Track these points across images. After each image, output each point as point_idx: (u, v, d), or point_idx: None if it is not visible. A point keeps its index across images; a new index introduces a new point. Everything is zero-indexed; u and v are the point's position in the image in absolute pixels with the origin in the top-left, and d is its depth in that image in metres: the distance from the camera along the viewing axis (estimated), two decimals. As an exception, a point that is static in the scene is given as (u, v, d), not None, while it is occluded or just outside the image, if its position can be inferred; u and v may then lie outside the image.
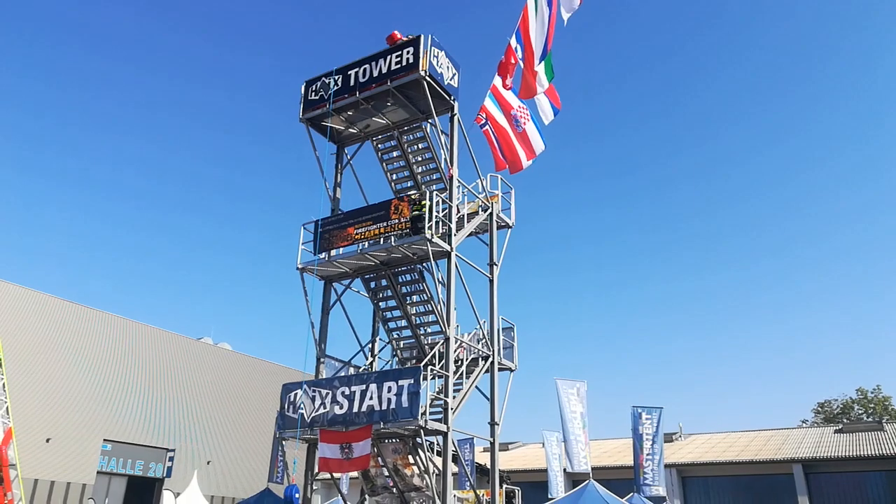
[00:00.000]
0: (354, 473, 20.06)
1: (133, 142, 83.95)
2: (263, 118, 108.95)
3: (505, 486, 18.21)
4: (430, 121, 17.84)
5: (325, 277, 18.22)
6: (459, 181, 17.66)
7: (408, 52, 16.98)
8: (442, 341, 16.31)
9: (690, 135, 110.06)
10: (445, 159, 17.81)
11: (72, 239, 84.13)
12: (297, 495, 14.52)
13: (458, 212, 17.40)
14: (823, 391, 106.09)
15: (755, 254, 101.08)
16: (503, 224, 19.29)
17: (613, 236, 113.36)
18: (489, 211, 18.65)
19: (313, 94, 18.51)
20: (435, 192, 16.66)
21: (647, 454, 19.39)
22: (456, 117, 17.81)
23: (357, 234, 16.87)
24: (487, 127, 17.60)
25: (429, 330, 18.17)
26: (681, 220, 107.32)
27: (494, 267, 18.45)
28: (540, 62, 16.16)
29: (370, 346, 19.30)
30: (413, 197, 16.36)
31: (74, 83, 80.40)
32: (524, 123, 17.85)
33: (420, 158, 18.51)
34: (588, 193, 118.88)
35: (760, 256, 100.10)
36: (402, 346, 18.94)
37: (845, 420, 48.77)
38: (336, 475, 18.36)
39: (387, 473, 16.31)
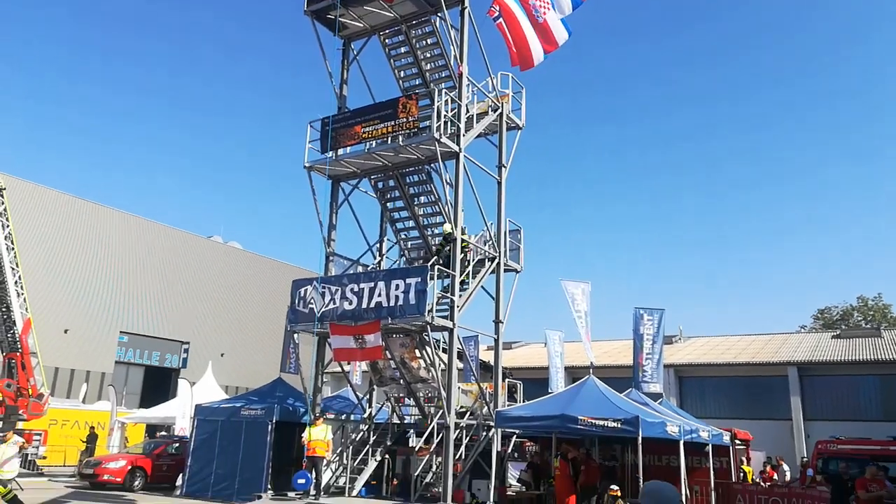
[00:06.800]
0: (364, 367, 20.84)
1: (140, 37, 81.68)
2: (268, 6, 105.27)
3: (507, 380, 18.88)
4: (439, 14, 17.21)
5: (332, 177, 18.18)
6: (469, 79, 17.23)
7: (417, -60, 16.15)
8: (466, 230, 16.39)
9: (707, 57, 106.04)
10: (455, 56, 17.31)
11: (81, 135, 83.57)
12: (300, 481, 14.96)
13: (467, 111, 17.09)
14: (825, 299, 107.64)
15: (763, 159, 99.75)
16: (513, 125, 18.97)
17: (621, 145, 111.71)
18: (499, 111, 18.29)
19: (318, -17, 17.79)
20: (444, 91, 16.31)
21: (647, 353, 19.94)
22: (467, 10, 17.14)
23: (364, 132, 16.68)
24: (501, 20, 16.91)
25: (436, 231, 18.29)
26: (688, 134, 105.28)
27: (503, 169, 18.31)
28: None
29: (378, 245, 19.52)
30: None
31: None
32: (544, 13, 17.07)
33: (428, 55, 17.99)
34: (603, 101, 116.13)
35: (768, 161, 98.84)
36: (409, 246, 19.15)
37: (844, 326, 49.58)
38: (346, 367, 19.10)
39: (394, 366, 16.91)
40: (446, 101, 16.09)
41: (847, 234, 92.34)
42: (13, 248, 20.45)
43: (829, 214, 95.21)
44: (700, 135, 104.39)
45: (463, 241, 16.39)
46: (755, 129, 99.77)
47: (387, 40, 18.26)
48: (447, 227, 16.91)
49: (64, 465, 26.89)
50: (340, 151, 17.36)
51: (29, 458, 23.51)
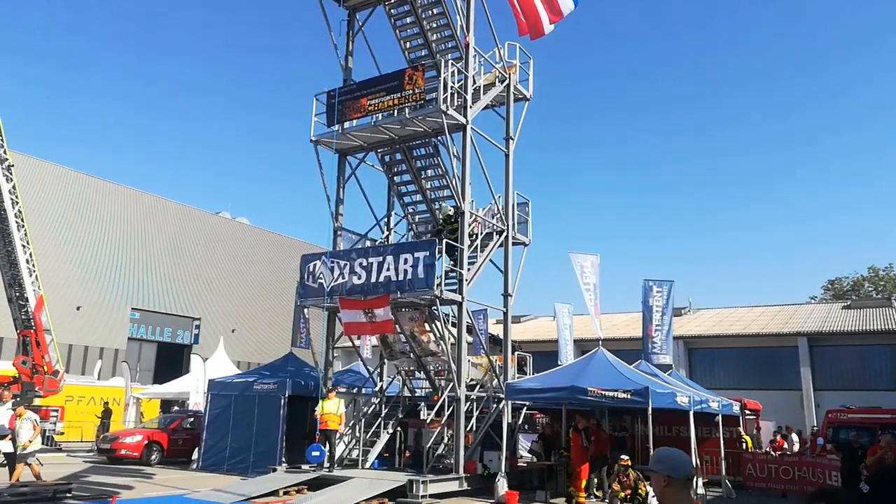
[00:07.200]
0: (374, 341, 20.95)
1: (136, 24, 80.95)
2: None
3: (517, 353, 18.95)
4: (445, -17, 16.95)
5: (339, 150, 18.10)
6: (476, 50, 17.03)
7: None
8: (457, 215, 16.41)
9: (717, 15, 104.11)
10: (461, 26, 17.09)
11: (90, 113, 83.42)
12: (314, 454, 15.14)
13: (474, 83, 16.91)
14: (836, 269, 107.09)
15: (772, 131, 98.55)
16: (520, 96, 18.78)
17: (629, 114, 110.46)
18: (506, 82, 18.09)
19: (321, -47, 17.52)
20: (450, 62, 16.13)
21: (657, 325, 19.93)
22: (473, -22, 16.87)
23: (370, 105, 16.55)
24: (508, -13, 16.63)
25: (444, 204, 18.23)
26: (697, 100, 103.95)
27: (510, 141, 18.17)
28: None
29: (386, 220, 19.49)
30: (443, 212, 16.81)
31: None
32: (551, -18, 16.80)
33: (434, 25, 17.74)
34: (608, 68, 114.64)
35: (778, 135, 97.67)
36: (417, 220, 19.12)
37: (854, 297, 49.33)
38: (356, 342, 19.21)
39: (404, 340, 16.98)
40: (453, 72, 15.92)
41: (858, 204, 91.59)
42: (24, 226, 20.52)
43: (840, 184, 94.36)
44: (710, 109, 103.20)
45: (457, 222, 16.34)
46: (763, 104, 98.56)
47: (392, 10, 18.01)
48: (446, 209, 17.03)
49: (81, 441, 27.32)
50: (347, 125, 17.24)
51: (47, 433, 23.87)
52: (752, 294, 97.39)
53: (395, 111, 16.42)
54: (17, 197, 20.62)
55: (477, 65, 17.21)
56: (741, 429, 18.26)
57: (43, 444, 22.62)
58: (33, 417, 13.59)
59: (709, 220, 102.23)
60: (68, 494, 12.79)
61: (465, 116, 16.09)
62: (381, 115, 16.75)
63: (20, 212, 20.66)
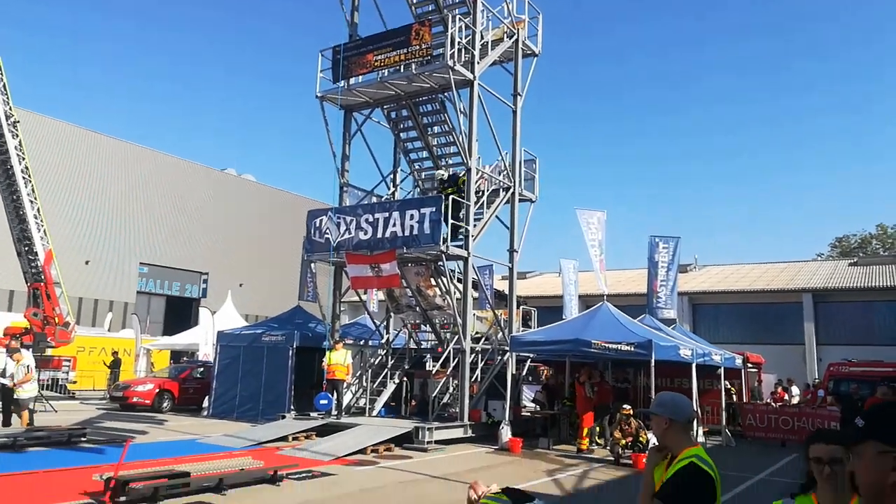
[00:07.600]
0: (381, 296, 21.22)
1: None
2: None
3: (522, 307, 19.16)
4: (452, -65, 16.63)
5: (345, 107, 18.03)
6: (484, 4, 16.79)
7: None
8: (464, 171, 16.44)
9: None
10: (469, -22, 16.81)
11: (91, 66, 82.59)
12: (322, 402, 15.41)
13: (482, 38, 16.72)
14: (844, 227, 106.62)
15: (778, 88, 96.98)
16: (529, 52, 18.57)
17: (635, 71, 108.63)
18: (515, 37, 17.88)
19: None
20: (458, 17, 15.92)
21: (662, 281, 20.06)
22: (480, -70, 16.53)
23: (377, 60, 16.42)
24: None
25: (450, 161, 18.24)
26: (701, 60, 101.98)
27: (518, 97, 18.05)
28: None
29: (392, 176, 19.51)
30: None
31: None
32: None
33: (442, -22, 17.46)
34: (615, 27, 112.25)
35: (784, 91, 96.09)
36: (423, 176, 19.13)
37: (861, 254, 49.25)
38: (363, 296, 19.44)
39: (410, 294, 17.20)
40: (460, 27, 15.74)
41: (866, 162, 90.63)
42: (31, 181, 20.62)
43: (848, 142, 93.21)
44: (720, 69, 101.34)
45: (451, 188, 16.30)
46: (775, 63, 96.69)
47: (398, -38, 17.73)
48: (439, 173, 17.06)
49: (93, 389, 27.95)
50: (353, 81, 17.15)
51: (60, 382, 24.44)
52: (759, 251, 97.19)
53: (402, 67, 16.29)
54: (23, 153, 20.67)
55: (485, 20, 16.99)
56: (726, 381, 18.53)
57: (57, 392, 23.32)
58: (29, 364, 13.76)
59: (719, 182, 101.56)
60: (83, 438, 13.18)
61: (472, 72, 15.97)
62: (387, 70, 16.64)
63: (27, 168, 20.73)
